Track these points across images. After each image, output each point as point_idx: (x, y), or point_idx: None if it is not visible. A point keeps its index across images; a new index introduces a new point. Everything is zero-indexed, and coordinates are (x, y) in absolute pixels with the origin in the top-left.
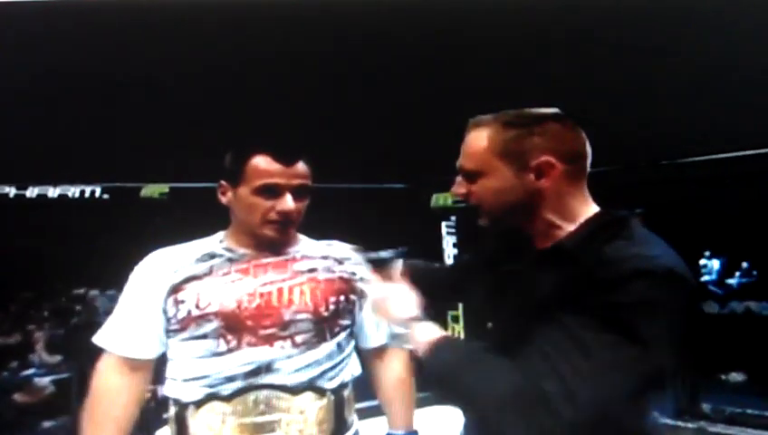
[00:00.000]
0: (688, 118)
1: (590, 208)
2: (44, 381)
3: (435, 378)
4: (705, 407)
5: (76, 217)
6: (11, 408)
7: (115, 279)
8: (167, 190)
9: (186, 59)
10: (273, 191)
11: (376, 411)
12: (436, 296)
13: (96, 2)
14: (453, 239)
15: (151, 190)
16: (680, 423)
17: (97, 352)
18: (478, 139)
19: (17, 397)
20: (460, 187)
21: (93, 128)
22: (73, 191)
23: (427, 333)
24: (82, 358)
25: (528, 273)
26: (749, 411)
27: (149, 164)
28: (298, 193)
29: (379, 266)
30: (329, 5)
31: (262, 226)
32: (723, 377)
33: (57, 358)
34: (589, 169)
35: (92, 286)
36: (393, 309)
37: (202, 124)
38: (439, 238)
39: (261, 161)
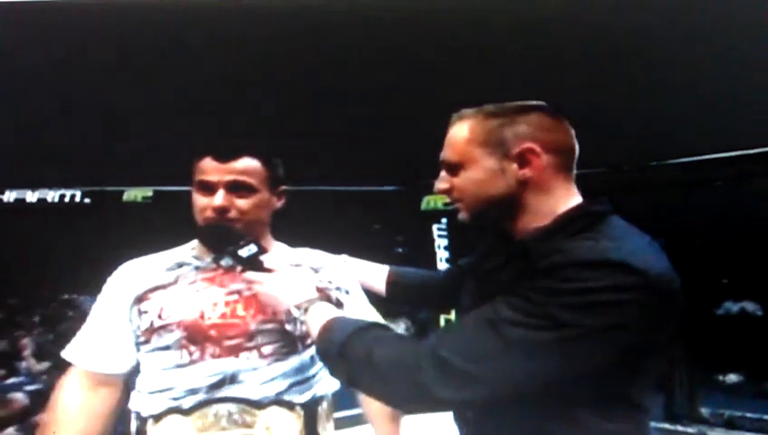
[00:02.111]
0: (678, 119)
1: (574, 203)
2: (18, 394)
3: (323, 358)
4: (704, 411)
5: (58, 221)
6: None
7: (103, 284)
8: (150, 194)
9: (170, 61)
10: (208, 188)
11: (358, 420)
12: (426, 304)
13: (77, 3)
14: (444, 242)
15: (134, 194)
16: (679, 428)
17: None
18: (460, 130)
19: None
20: (442, 182)
21: (73, 130)
22: (53, 196)
23: (320, 317)
24: (66, 367)
25: (495, 269)
26: (748, 415)
27: (132, 167)
28: (234, 189)
29: (247, 264)
30: (321, 6)
31: (202, 224)
32: (720, 378)
33: (46, 365)
34: (577, 169)
35: (81, 292)
36: (283, 297)
37: (186, 126)
38: (430, 241)
39: (203, 161)
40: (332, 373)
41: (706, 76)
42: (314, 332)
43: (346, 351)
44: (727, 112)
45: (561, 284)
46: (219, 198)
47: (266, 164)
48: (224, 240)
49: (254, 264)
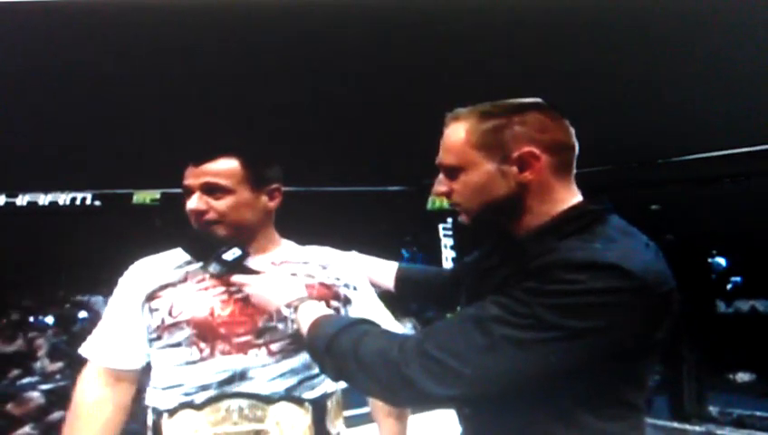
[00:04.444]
0: (689, 115)
1: (573, 203)
2: (34, 393)
3: (312, 355)
4: (713, 409)
5: (69, 224)
6: (4, 418)
7: (114, 285)
8: (158, 196)
9: (178, 63)
10: (188, 192)
11: (366, 420)
12: (433, 301)
13: (85, 5)
14: (450, 241)
15: (143, 196)
16: (687, 426)
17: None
18: (456, 132)
19: (9, 407)
20: (440, 185)
21: (84, 134)
22: (64, 199)
23: (309, 315)
24: (79, 366)
25: (491, 268)
26: (758, 414)
27: (141, 170)
28: (209, 191)
29: (233, 268)
30: (326, 7)
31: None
32: (730, 377)
33: (59, 365)
34: (577, 167)
35: (93, 293)
36: (273, 297)
37: (194, 129)
38: (437, 241)
39: (187, 167)
40: (322, 370)
41: (713, 72)
42: (304, 329)
43: (333, 346)
44: (738, 108)
45: (547, 285)
46: (193, 201)
47: (245, 163)
48: (206, 247)
49: (240, 267)
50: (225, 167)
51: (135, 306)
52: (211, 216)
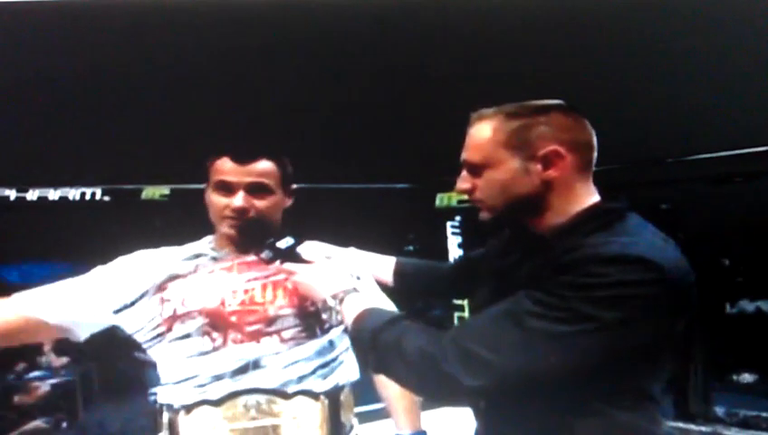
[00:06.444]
0: (697, 114)
1: (592, 201)
2: (41, 383)
3: (355, 346)
4: (718, 410)
5: (78, 219)
6: (11, 409)
7: None
8: (168, 192)
9: (187, 59)
10: (227, 189)
11: (378, 415)
12: (433, 294)
13: (95, 2)
14: (458, 239)
15: (152, 192)
16: (693, 427)
17: (103, 355)
18: (482, 130)
19: (17, 398)
20: (464, 181)
21: (93, 129)
22: (74, 194)
23: (355, 307)
24: (86, 361)
25: (513, 265)
26: (763, 414)
27: (150, 165)
28: (254, 190)
29: (285, 256)
30: (335, 3)
31: (220, 222)
32: (735, 377)
33: (65, 360)
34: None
35: None
36: (320, 287)
37: (203, 125)
38: (444, 238)
39: (220, 161)
40: (364, 361)
41: (722, 71)
42: (349, 321)
43: (377, 340)
44: (747, 108)
45: (582, 278)
46: (240, 199)
47: (279, 164)
48: (261, 233)
49: (291, 255)
50: (268, 167)
51: (141, 292)
52: (251, 214)
